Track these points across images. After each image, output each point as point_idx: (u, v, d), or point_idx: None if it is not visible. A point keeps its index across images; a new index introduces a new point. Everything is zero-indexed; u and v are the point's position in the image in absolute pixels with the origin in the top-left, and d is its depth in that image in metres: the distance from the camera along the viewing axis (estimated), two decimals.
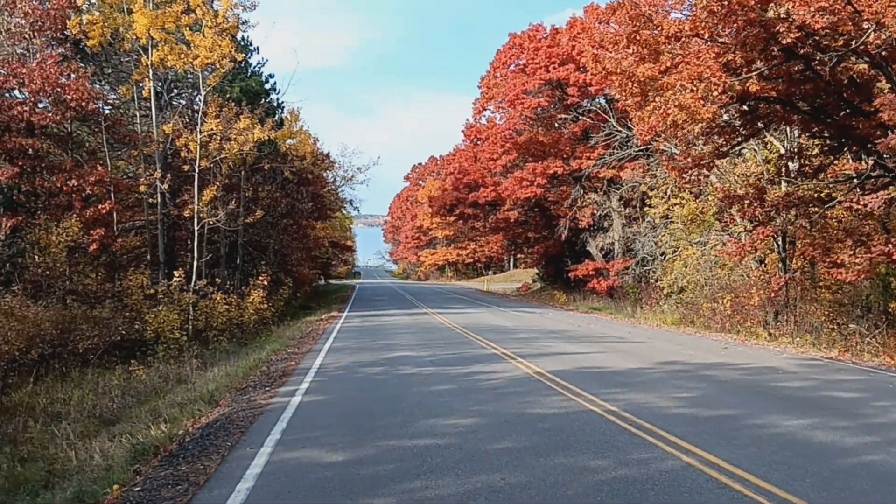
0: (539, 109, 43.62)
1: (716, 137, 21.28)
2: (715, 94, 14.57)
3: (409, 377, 12.42)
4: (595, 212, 43.02)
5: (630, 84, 14.82)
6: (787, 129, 25.68)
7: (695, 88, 14.40)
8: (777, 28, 14.64)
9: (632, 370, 12.83)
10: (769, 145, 28.02)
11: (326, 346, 18.11)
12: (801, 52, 16.27)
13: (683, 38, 16.12)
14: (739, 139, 21.86)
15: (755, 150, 27.76)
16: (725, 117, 20.07)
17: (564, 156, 43.95)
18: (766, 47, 16.24)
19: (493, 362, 14.11)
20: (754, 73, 15.63)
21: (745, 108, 18.97)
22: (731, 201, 24.29)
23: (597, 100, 43.86)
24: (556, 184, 46.02)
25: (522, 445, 7.53)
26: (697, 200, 31.94)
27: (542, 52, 41.58)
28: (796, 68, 17.37)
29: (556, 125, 46.26)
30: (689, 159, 22.12)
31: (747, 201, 23.77)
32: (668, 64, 14.66)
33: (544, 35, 43.60)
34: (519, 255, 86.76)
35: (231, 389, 11.81)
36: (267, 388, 11.66)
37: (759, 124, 21.45)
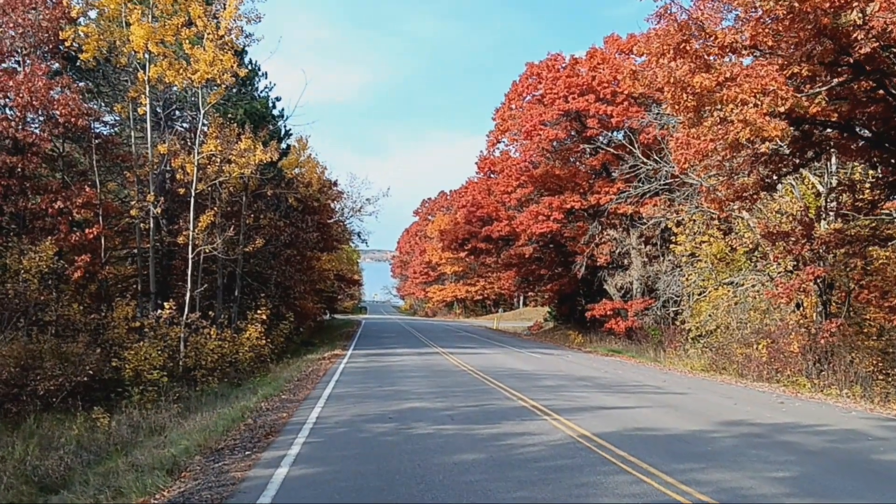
0: (556, 142, 41.83)
1: (761, 168, 19.32)
2: (781, 109, 12.55)
3: (426, 440, 10.10)
4: (614, 249, 40.99)
5: (685, 96, 12.83)
6: (828, 162, 23.82)
7: (759, 103, 12.39)
8: (854, 36, 12.70)
9: (694, 434, 10.60)
10: (806, 180, 26.09)
11: (326, 391, 15.78)
12: (873, 67, 14.32)
13: (740, 49, 14.21)
14: (788, 169, 19.87)
15: (792, 185, 25.81)
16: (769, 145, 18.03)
17: (582, 190, 42.08)
18: (835, 61, 14.30)
19: (525, 419, 11.84)
20: (824, 88, 13.66)
21: (796, 133, 16.97)
22: (773, 238, 22.24)
23: (616, 134, 42.15)
24: (573, 219, 44.11)
25: None
26: (727, 238, 29.94)
27: (561, 81, 39.88)
28: (864, 87, 15.43)
29: (574, 158, 44.49)
30: (731, 191, 20.13)
31: (793, 238, 21.74)
32: (728, 75, 12.67)
33: (563, 65, 41.94)
34: (529, 294, 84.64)
35: (204, 450, 9.57)
36: (247, 452, 9.41)
37: (810, 153, 19.48)
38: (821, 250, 21.27)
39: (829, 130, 17.85)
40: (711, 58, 14.43)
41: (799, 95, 12.85)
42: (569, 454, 9.09)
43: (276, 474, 8.03)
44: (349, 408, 13.24)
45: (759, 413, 13.14)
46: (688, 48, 14.31)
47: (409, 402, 14.01)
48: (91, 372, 16.52)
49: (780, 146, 18.73)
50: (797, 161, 19.54)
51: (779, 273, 24.35)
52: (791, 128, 12.73)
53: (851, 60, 14.50)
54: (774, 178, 20.08)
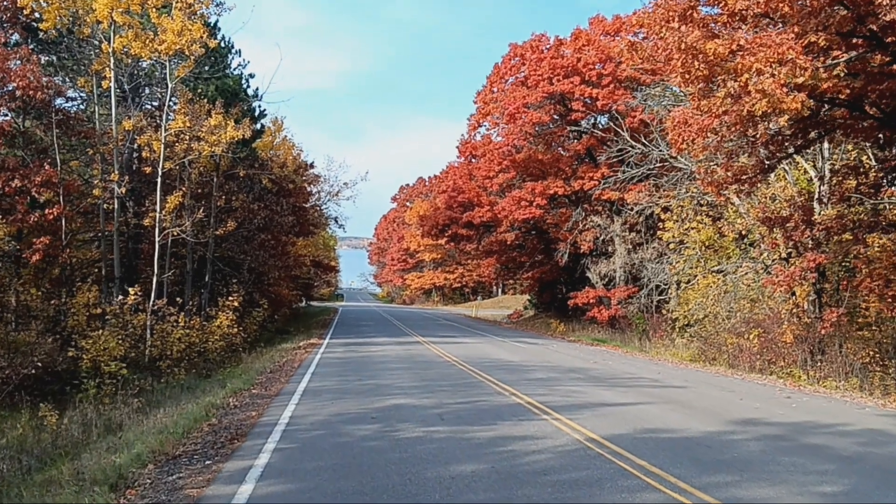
0: (540, 126, 40.67)
1: (762, 149, 18.35)
2: (799, 80, 11.51)
3: (416, 445, 8.83)
4: (598, 236, 40.04)
5: (696, 64, 11.72)
6: (821, 147, 22.96)
7: (775, 73, 11.33)
8: (878, 2, 11.68)
9: (712, 436, 9.49)
10: (799, 166, 25.25)
11: (301, 385, 14.47)
12: (893, 38, 13.32)
13: (750, 17, 13.15)
14: (790, 151, 18.91)
15: (786, 170, 24.94)
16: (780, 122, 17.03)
17: (565, 175, 41.04)
18: (852, 31, 13.30)
19: (523, 419, 10.63)
20: (842, 59, 12.64)
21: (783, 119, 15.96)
22: (772, 224, 21.34)
23: (600, 118, 41.13)
24: (556, 205, 43.14)
25: None
26: (716, 224, 29.09)
27: (546, 63, 38.68)
28: (878, 61, 14.45)
29: (558, 143, 43.43)
30: (730, 173, 19.15)
31: (791, 224, 20.85)
32: (742, 42, 11.60)
33: (547, 46, 40.76)
34: (508, 281, 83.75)
35: (159, 457, 8.30)
36: (207, 462, 8.08)
37: (813, 134, 18.52)
38: (820, 236, 20.44)
39: (835, 109, 16.90)
40: (719, 27, 13.42)
41: (818, 66, 11.81)
42: (582, 464, 7.91)
43: (239, 493, 6.71)
44: (326, 405, 11.95)
45: (769, 410, 12.16)
46: (694, 15, 13.27)
47: (392, 397, 12.76)
48: (39, 364, 15.05)
49: (780, 126, 17.79)
50: (799, 142, 18.60)
51: (773, 261, 23.48)
52: (811, 101, 11.69)
53: (867, 31, 13.53)
54: (774, 160, 19.13)
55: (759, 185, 22.62)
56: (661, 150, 29.22)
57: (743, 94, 11.46)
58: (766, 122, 13.30)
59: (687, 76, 12.05)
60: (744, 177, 19.13)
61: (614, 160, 35.09)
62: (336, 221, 53.46)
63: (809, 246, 20.50)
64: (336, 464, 7.95)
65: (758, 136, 16.41)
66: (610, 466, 7.73)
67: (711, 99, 12.12)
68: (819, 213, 21.11)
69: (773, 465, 7.84)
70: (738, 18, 13.24)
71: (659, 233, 31.81)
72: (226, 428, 10.03)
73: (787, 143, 18.04)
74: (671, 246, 30.62)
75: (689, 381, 16.76)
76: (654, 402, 12.66)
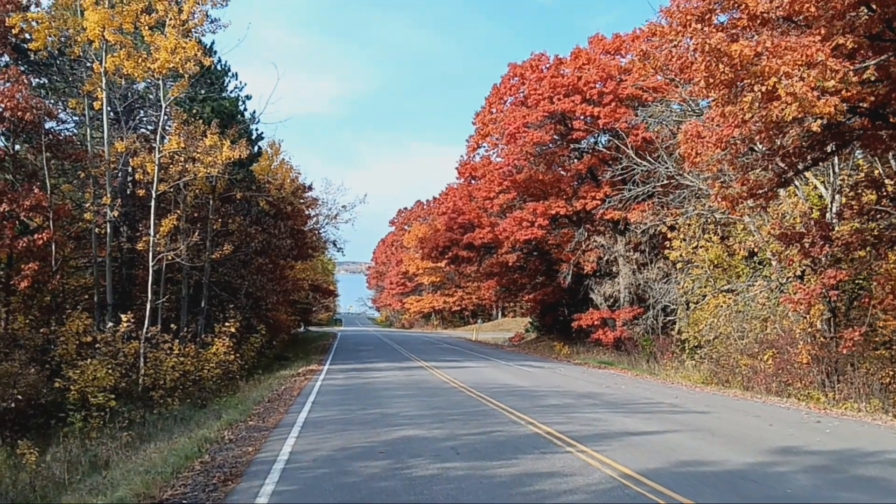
0: (540, 145, 40.08)
1: (779, 161, 17.67)
2: (828, 84, 10.83)
3: (432, 486, 7.83)
4: (601, 256, 39.32)
5: (721, 68, 11.03)
6: (834, 161, 22.34)
7: (805, 76, 10.65)
8: None
9: (754, 468, 8.62)
10: (809, 182, 24.62)
11: (301, 416, 13.54)
12: None
13: (772, 20, 12.51)
14: (806, 164, 18.24)
15: (796, 187, 24.28)
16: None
17: (567, 195, 40.39)
18: (880, 33, 12.66)
19: (546, 451, 9.70)
20: (872, 62, 11.96)
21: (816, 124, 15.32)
22: (789, 240, 20.59)
23: (601, 137, 40.55)
24: (558, 226, 42.44)
25: None
26: (725, 243, 28.39)
27: (546, 82, 38.18)
28: None
29: (559, 163, 42.82)
30: (745, 188, 18.46)
31: (808, 240, 20.12)
32: (768, 44, 10.93)
33: (547, 65, 40.29)
34: (508, 304, 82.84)
35: (141, 502, 7.38)
36: None
37: (830, 146, 17.86)
38: (839, 252, 19.72)
39: (855, 119, 16.24)
40: (738, 31, 12.78)
41: (848, 68, 11.12)
42: None
43: None
44: (329, 438, 11.00)
45: (805, 437, 11.34)
46: (712, 19, 12.65)
47: (400, 429, 11.83)
48: (20, 396, 14.08)
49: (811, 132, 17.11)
50: (816, 155, 17.95)
51: (787, 279, 22.74)
52: (844, 104, 10.98)
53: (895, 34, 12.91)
54: (790, 173, 18.46)
55: (773, 199, 21.97)
56: (667, 167, 28.55)
57: (772, 98, 10.76)
58: (795, 128, 12.59)
59: (711, 80, 11.35)
60: (759, 191, 18.46)
61: (618, 178, 34.47)
62: (335, 245, 52.72)
63: (825, 263, 19.81)
64: None
65: (787, 143, 15.74)
66: None
67: (738, 104, 11.40)
68: (836, 229, 20.44)
69: None
70: (759, 22, 12.60)
71: (665, 252, 31.08)
72: (219, 466, 9.10)
73: (806, 155, 17.37)
74: (678, 265, 29.88)
75: (710, 406, 15.92)
76: (681, 429, 11.81)
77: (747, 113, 11.18)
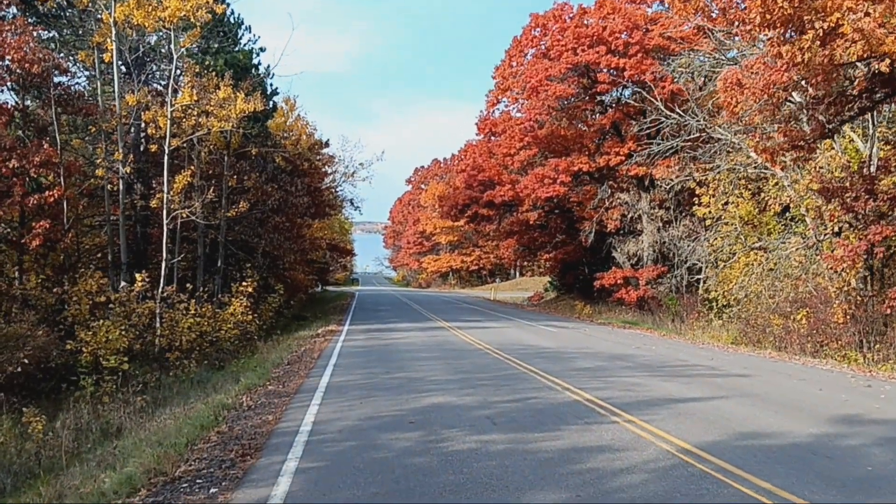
0: (563, 99, 38.85)
1: (823, 110, 16.65)
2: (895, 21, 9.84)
3: (472, 462, 7.06)
4: (625, 214, 38.32)
5: (779, 2, 10.03)
6: (873, 114, 21.20)
7: (870, 11, 9.67)
8: None
9: (820, 440, 7.81)
10: (846, 135, 23.51)
11: (323, 380, 12.82)
12: None
13: None
14: (853, 113, 17.19)
15: (833, 139, 23.15)
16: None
17: (590, 151, 39.30)
18: None
19: (590, 421, 8.95)
20: None
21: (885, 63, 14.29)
22: (830, 195, 19.61)
23: (625, 91, 39.27)
24: (580, 183, 41.38)
25: None
26: (757, 198, 27.38)
27: (570, 32, 36.83)
28: None
29: (582, 117, 41.62)
30: (787, 139, 17.50)
31: (850, 194, 19.14)
32: None
33: (570, 15, 38.89)
34: (526, 263, 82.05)
35: (154, 478, 6.73)
36: (213, 490, 6.40)
37: (880, 94, 16.79)
38: (884, 207, 18.73)
39: None
40: None
41: None
42: (691, 489, 6.22)
43: None
44: (354, 406, 10.29)
45: (861, 403, 10.56)
46: None
47: (428, 395, 11.10)
48: (26, 360, 13.43)
49: (847, 88, 16.06)
50: (864, 104, 16.90)
51: (827, 235, 21.77)
52: None
53: None
54: (835, 123, 17.42)
55: (813, 152, 20.94)
56: (698, 120, 27.41)
57: (834, 36, 9.80)
58: (860, 70, 11.62)
59: (767, 16, 10.36)
60: (801, 142, 17.50)
61: (643, 133, 33.38)
62: (352, 203, 51.94)
63: (869, 218, 18.83)
64: (376, 492, 6.29)
65: (853, 85, 14.73)
66: (728, 491, 6.02)
67: (796, 42, 10.43)
68: (880, 182, 19.41)
69: None
70: None
71: (693, 209, 30.12)
72: (237, 438, 8.43)
73: (853, 104, 16.35)
74: (707, 222, 28.96)
75: (748, 368, 15.17)
76: (727, 395, 11.05)
77: (806, 53, 10.22)
